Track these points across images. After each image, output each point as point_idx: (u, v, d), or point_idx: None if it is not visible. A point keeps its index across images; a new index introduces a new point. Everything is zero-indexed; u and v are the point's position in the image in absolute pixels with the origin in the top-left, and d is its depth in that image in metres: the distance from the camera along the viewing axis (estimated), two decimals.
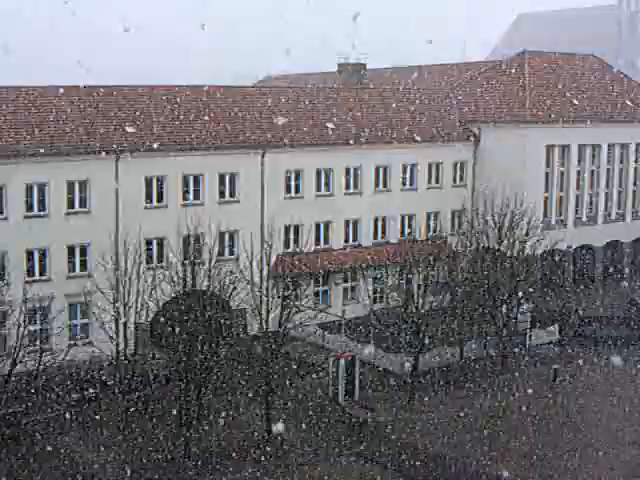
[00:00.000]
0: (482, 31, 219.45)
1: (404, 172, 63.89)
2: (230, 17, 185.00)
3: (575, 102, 69.46)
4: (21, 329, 37.68)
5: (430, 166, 65.20)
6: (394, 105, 66.55)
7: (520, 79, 70.25)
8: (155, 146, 52.73)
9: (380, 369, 49.84)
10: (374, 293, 59.94)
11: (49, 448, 38.54)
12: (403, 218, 63.43)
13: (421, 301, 47.81)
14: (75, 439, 40.01)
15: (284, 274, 45.19)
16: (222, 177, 55.68)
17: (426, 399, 45.99)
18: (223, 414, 42.17)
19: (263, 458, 38.55)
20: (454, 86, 73.01)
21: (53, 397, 41.59)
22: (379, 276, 60.01)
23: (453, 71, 78.06)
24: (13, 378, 37.47)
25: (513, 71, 71.72)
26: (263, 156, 56.97)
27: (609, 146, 70.50)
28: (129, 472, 36.74)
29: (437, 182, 65.64)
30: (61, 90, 52.94)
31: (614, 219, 71.31)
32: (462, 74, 75.78)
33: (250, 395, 43.79)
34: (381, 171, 62.68)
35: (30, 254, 49.15)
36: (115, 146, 51.43)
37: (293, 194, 58.61)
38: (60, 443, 39.27)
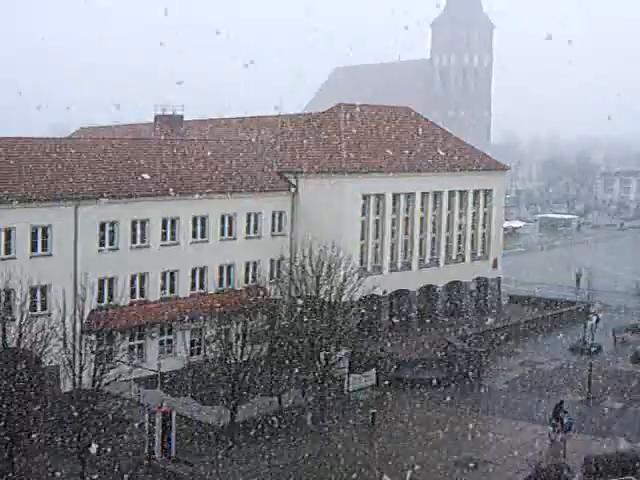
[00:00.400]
0: (299, 84, 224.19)
1: (222, 222, 63.87)
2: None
3: (390, 152, 71.33)
4: None
5: (249, 216, 65.48)
6: (212, 155, 66.58)
7: (336, 130, 71.61)
8: None
9: (198, 422, 49.25)
10: (192, 345, 59.23)
11: None
12: (222, 268, 63.18)
13: (240, 351, 48.03)
14: None
15: (97, 329, 44.39)
16: (35, 230, 54.25)
17: (245, 449, 45.73)
18: (36, 475, 40.72)
19: None
20: (272, 137, 73.80)
21: None
22: (197, 327, 59.52)
23: (271, 123, 78.93)
24: None
25: (329, 122, 73.09)
26: (77, 208, 55.81)
27: (422, 194, 72.56)
28: None
29: (256, 232, 65.95)
30: None
31: (427, 264, 73.20)
32: (280, 126, 76.76)
33: (64, 454, 42.46)
34: (199, 221, 62.41)
35: None
36: None
37: (108, 246, 57.39)
38: None
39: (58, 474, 41.47)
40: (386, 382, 57.33)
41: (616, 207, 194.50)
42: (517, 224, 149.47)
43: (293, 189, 68.07)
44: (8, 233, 52.86)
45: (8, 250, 52.90)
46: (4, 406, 37.96)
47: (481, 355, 60.88)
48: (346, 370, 56.12)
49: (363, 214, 68.67)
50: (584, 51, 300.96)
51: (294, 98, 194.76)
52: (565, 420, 48.41)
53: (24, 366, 40.56)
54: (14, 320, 42.66)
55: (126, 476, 41.61)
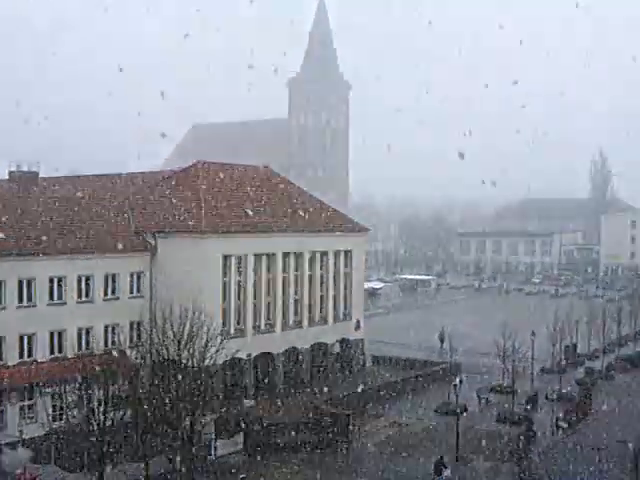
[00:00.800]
0: (154, 140, 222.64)
1: (79, 283, 61.49)
2: None
3: (249, 212, 70.59)
4: None
5: (107, 277, 63.35)
6: (67, 213, 64.51)
7: (195, 188, 70.50)
8: None
9: None
10: (53, 410, 56.47)
11: None
12: (80, 331, 60.72)
13: (102, 417, 45.99)
14: None
15: None
16: None
17: None
18: None
19: None
20: (128, 196, 71.91)
21: None
22: (57, 392, 56.83)
23: (126, 181, 77.18)
24: None
25: (188, 181, 71.93)
26: None
27: (284, 254, 71.90)
28: None
29: (114, 293, 63.78)
30: None
31: (291, 326, 72.38)
32: (137, 183, 75.08)
33: None
34: (56, 282, 59.92)
35: None
36: None
37: None
38: None
39: None
40: (254, 446, 55.82)
41: (473, 268, 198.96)
42: (377, 285, 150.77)
43: (151, 249, 66.17)
44: None
45: None
46: None
47: (348, 417, 60.03)
48: (213, 435, 54.40)
49: (225, 274, 67.42)
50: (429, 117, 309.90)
51: (151, 156, 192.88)
52: (447, 473, 48.24)
53: None
54: None
55: None
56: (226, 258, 67.45)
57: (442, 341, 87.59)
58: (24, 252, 58.04)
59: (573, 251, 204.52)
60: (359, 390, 68.37)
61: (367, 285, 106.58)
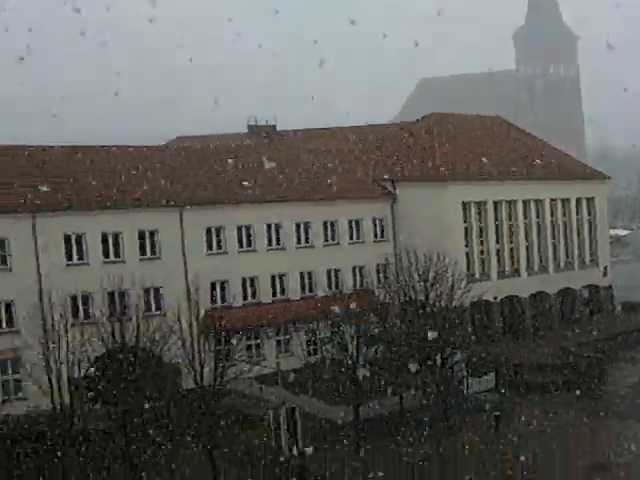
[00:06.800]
0: (386, 95, 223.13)
1: (325, 228, 63.07)
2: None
3: (484, 160, 69.98)
4: None
5: (350, 222, 64.52)
6: (310, 163, 66.32)
7: (430, 138, 70.66)
8: (72, 204, 51.73)
9: (321, 419, 48.46)
10: (307, 345, 58.51)
11: None
12: (329, 272, 62.43)
13: (355, 353, 46.84)
14: None
15: (215, 329, 44.14)
16: (141, 234, 54.09)
17: (369, 447, 44.67)
18: (166, 468, 40.44)
19: None
20: (367, 146, 72.76)
21: None
22: (311, 329, 58.68)
23: (364, 132, 78.04)
24: None
25: (423, 131, 72.12)
26: (181, 213, 55.47)
27: (524, 202, 70.84)
28: None
29: (359, 237, 64.89)
30: None
31: (536, 271, 71.42)
32: (373, 135, 75.85)
33: (191, 449, 41.85)
34: (302, 227, 61.65)
35: None
36: (30, 205, 50.23)
37: (215, 250, 57.24)
38: None
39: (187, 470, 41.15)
40: (506, 386, 55.55)
41: None
42: (622, 232, 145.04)
43: (391, 196, 66.86)
44: (116, 237, 53.25)
45: (117, 254, 53.25)
46: (131, 401, 37.89)
47: (601, 361, 58.72)
48: (464, 373, 54.36)
49: (465, 221, 67.05)
50: None
51: (382, 110, 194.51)
52: None
53: (146, 363, 40.52)
54: (130, 320, 42.42)
55: (255, 470, 41.35)
56: (465, 205, 67.07)
57: None
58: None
59: None
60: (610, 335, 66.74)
61: (612, 232, 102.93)
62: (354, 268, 63.65)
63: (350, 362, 46.80)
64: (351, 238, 64.67)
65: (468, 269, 65.78)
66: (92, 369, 41.75)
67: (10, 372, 48.88)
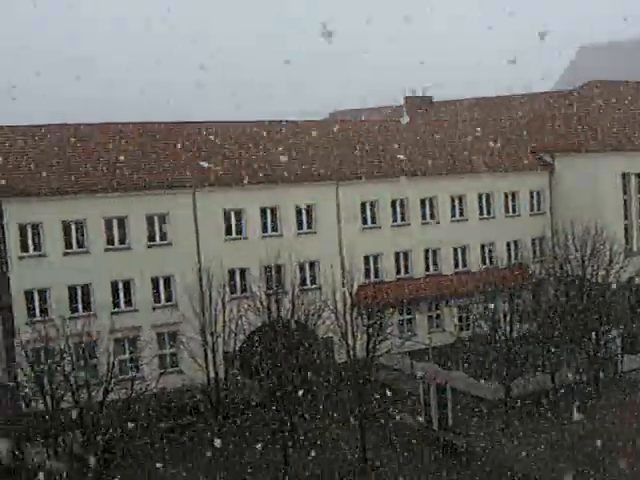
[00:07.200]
0: (544, 64, 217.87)
1: (480, 201, 62.94)
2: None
3: None
4: (111, 358, 37.21)
5: (506, 195, 64.18)
6: (464, 135, 66.03)
7: (589, 107, 69.08)
8: (232, 180, 53.27)
9: (471, 395, 48.79)
10: (459, 321, 58.81)
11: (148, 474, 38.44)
12: (483, 247, 62.29)
13: (508, 328, 46.97)
14: (172, 466, 39.61)
15: (368, 303, 44.80)
16: (298, 209, 55.45)
17: (520, 425, 44.76)
18: (317, 441, 41.61)
19: None
20: (523, 116, 71.95)
21: (146, 424, 40.93)
22: (463, 304, 58.87)
23: (519, 102, 76.94)
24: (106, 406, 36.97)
25: (583, 100, 70.56)
26: (337, 188, 56.51)
27: None
28: None
29: (514, 211, 64.53)
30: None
31: None
32: (529, 104, 74.74)
33: (342, 422, 43.13)
34: (457, 200, 61.79)
35: (115, 286, 49.14)
36: (192, 180, 51.84)
37: (369, 224, 58.09)
38: (159, 470, 38.81)
39: (338, 442, 42.15)
40: None
41: None
42: None
43: (549, 168, 65.98)
44: (273, 212, 54.56)
45: (275, 228, 54.48)
46: (285, 374, 38.91)
47: None
48: (619, 350, 53.70)
49: (625, 193, 65.64)
50: None
51: (540, 78, 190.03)
52: None
53: (300, 337, 41.71)
54: (286, 294, 43.75)
55: (403, 444, 41.85)
56: (625, 176, 65.65)
57: None
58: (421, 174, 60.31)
59: None
60: None
61: None
62: (509, 242, 63.27)
63: (503, 338, 47.06)
64: (507, 211, 64.23)
65: (626, 242, 64.54)
66: (246, 343, 43.31)
67: (168, 346, 50.57)
